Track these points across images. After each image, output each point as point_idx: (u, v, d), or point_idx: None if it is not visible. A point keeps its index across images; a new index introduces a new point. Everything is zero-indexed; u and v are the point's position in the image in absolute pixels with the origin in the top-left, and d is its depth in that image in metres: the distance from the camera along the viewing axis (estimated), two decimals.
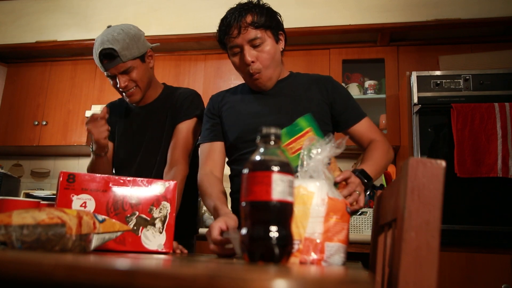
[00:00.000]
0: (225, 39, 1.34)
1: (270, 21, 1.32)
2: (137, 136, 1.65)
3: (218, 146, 1.42)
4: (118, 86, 1.55)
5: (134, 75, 1.54)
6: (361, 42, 2.88)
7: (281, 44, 1.38)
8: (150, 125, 1.65)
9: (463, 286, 2.01)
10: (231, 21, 1.30)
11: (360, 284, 0.40)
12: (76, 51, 3.24)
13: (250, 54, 1.30)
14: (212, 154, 1.41)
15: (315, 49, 2.90)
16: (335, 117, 1.40)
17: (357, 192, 1.06)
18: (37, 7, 3.27)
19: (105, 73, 1.55)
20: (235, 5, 1.35)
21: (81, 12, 3.19)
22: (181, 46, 3.08)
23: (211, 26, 2.84)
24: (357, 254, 2.12)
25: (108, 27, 1.56)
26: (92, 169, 1.57)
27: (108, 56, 1.49)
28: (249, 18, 1.29)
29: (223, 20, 1.34)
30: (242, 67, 1.34)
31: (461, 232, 2.09)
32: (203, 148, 1.43)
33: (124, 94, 1.58)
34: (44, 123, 3.18)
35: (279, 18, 1.38)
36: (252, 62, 1.31)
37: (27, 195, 3.09)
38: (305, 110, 1.30)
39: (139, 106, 1.67)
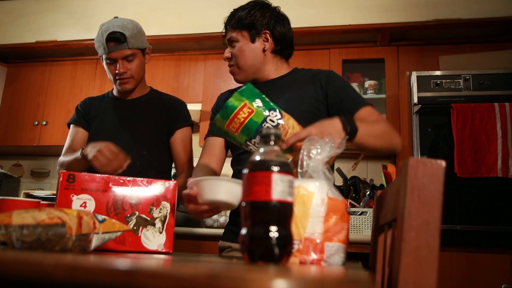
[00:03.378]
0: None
1: (249, 22, 1.40)
2: (115, 128, 1.67)
3: (219, 141, 1.46)
4: (116, 71, 1.58)
5: (134, 65, 1.61)
6: (361, 42, 2.88)
7: (262, 44, 1.42)
8: (131, 117, 1.68)
9: (463, 286, 2.01)
10: (224, 22, 1.46)
11: (360, 284, 0.40)
12: (76, 51, 3.24)
13: (227, 51, 1.43)
14: (212, 148, 1.45)
15: (315, 49, 2.90)
16: (333, 112, 1.35)
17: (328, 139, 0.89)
18: (37, 7, 3.27)
19: (105, 56, 1.58)
20: (232, 9, 1.46)
21: (81, 12, 3.19)
22: (181, 46, 3.08)
23: (211, 26, 2.89)
24: (357, 254, 2.12)
25: (115, 17, 1.62)
26: (69, 167, 1.54)
27: (116, 40, 1.55)
28: (232, 20, 1.43)
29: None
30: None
31: (461, 232, 2.09)
32: (206, 142, 1.48)
33: (118, 81, 1.61)
34: (44, 123, 3.18)
35: (264, 18, 1.42)
36: (228, 58, 1.43)
37: (27, 195, 3.09)
38: (295, 109, 1.28)
39: (122, 100, 1.71)
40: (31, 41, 3.17)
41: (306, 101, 1.36)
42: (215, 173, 1.41)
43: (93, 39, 3.04)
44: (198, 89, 2.98)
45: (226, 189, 0.91)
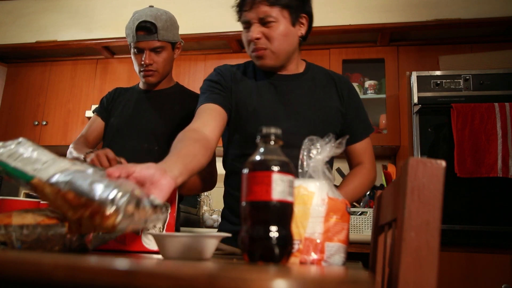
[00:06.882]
0: (239, 13, 1.24)
1: (293, 1, 1.21)
2: (128, 122, 1.63)
3: (222, 112, 1.24)
4: (142, 62, 1.54)
5: (162, 58, 1.56)
6: (361, 42, 2.88)
7: (301, 29, 1.26)
8: (148, 111, 1.63)
9: (463, 286, 2.01)
10: None
11: (360, 284, 0.40)
12: (76, 51, 3.24)
13: (256, 30, 1.20)
14: (213, 112, 1.22)
15: (315, 49, 2.89)
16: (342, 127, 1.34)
17: None
18: (37, 7, 3.27)
19: (133, 45, 1.54)
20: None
21: (81, 12, 3.19)
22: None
23: (211, 26, 2.89)
24: (357, 254, 2.12)
25: (150, 6, 1.58)
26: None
27: (147, 29, 1.50)
28: None
29: None
30: (248, 45, 1.24)
31: (461, 232, 2.09)
32: (204, 107, 1.24)
33: (142, 73, 1.57)
34: (44, 123, 3.18)
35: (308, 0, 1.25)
36: (257, 39, 1.20)
37: (27, 195, 3.09)
38: (323, 118, 1.27)
39: (144, 91, 1.67)
40: (31, 41, 3.17)
41: (332, 110, 1.30)
42: (206, 139, 1.13)
43: (93, 39, 3.08)
44: (198, 89, 2.97)
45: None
